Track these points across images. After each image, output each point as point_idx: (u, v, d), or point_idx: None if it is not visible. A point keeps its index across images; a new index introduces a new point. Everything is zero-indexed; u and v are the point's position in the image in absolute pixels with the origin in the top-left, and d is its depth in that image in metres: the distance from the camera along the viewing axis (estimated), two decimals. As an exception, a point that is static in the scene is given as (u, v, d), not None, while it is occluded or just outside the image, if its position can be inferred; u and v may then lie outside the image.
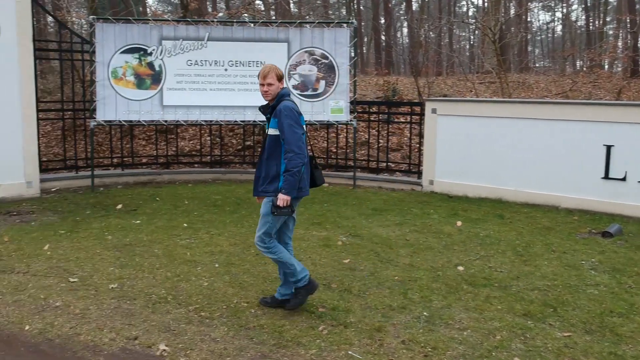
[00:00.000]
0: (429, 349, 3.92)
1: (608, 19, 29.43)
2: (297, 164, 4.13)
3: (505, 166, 8.71)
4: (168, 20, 10.56)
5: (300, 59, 9.86)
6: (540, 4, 31.38)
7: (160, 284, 5.10)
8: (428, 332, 4.16)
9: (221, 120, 9.89)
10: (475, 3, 33.48)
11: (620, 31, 24.48)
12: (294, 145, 4.14)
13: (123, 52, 9.41)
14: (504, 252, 6.13)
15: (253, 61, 9.76)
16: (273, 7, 20.79)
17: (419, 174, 9.94)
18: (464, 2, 34.56)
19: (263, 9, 19.82)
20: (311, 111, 9.83)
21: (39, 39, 9.77)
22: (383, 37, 28.11)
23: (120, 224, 7.11)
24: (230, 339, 4.07)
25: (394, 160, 10.96)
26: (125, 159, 10.86)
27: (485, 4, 24.82)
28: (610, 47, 20.00)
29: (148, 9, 24.96)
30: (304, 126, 4.39)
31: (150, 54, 9.51)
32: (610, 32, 27.98)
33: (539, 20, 35.61)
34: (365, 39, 32.52)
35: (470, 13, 33.04)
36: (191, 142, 12.68)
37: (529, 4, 25.84)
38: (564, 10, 31.51)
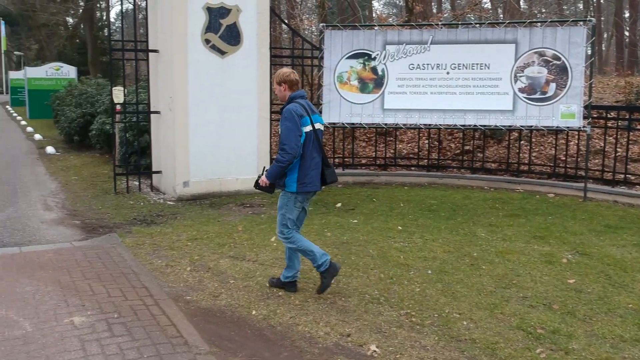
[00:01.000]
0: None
1: None
2: (284, 160, 4.63)
3: None
4: (392, 25, 10.77)
5: (529, 61, 9.28)
6: None
7: (374, 284, 5.19)
8: (671, 375, 3.59)
9: (440, 124, 9.78)
10: None
11: None
12: (287, 144, 4.62)
13: (349, 57, 9.83)
14: None
15: (477, 64, 9.44)
16: (501, 5, 19.96)
17: (666, 188, 8.66)
18: None
19: (490, 7, 19.14)
20: (538, 115, 9.19)
21: (274, 46, 10.65)
22: (626, 34, 25.22)
23: (339, 222, 7.43)
24: (440, 349, 3.97)
25: (634, 172, 9.73)
26: (346, 160, 11.34)
27: None
28: None
29: (374, 13, 25.81)
30: (314, 125, 4.80)
31: (374, 58, 9.77)
32: None
33: None
34: (605, 36, 29.54)
35: None
36: (409, 144, 12.77)
37: None
38: None
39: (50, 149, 14.88)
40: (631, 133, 9.94)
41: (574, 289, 5.08)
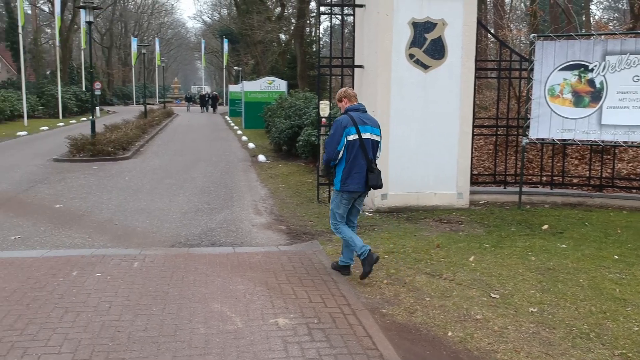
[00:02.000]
0: None
1: None
2: (325, 159, 5.66)
3: None
4: (614, 34, 9.77)
5: None
6: None
7: (583, 317, 4.73)
8: None
9: (670, 142, 8.61)
10: None
11: None
12: (327, 149, 5.59)
13: (562, 69, 9.14)
14: None
15: None
16: None
17: None
18: None
19: None
20: None
21: (479, 58, 10.31)
22: None
23: (545, 246, 6.92)
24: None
25: None
26: (555, 178, 10.53)
27: None
28: None
29: (592, 20, 23.75)
30: (361, 135, 5.48)
31: (592, 70, 8.96)
32: None
33: None
34: None
35: None
36: (630, 164, 11.47)
37: None
38: None
39: (261, 157, 16.23)
40: None
41: None
